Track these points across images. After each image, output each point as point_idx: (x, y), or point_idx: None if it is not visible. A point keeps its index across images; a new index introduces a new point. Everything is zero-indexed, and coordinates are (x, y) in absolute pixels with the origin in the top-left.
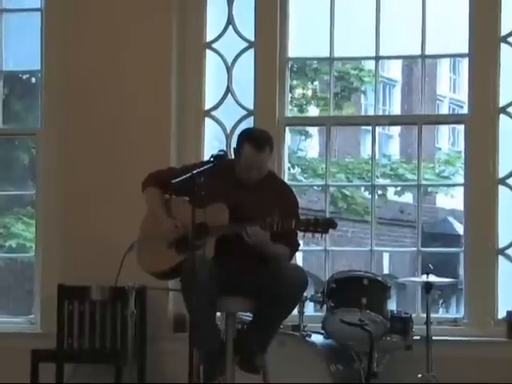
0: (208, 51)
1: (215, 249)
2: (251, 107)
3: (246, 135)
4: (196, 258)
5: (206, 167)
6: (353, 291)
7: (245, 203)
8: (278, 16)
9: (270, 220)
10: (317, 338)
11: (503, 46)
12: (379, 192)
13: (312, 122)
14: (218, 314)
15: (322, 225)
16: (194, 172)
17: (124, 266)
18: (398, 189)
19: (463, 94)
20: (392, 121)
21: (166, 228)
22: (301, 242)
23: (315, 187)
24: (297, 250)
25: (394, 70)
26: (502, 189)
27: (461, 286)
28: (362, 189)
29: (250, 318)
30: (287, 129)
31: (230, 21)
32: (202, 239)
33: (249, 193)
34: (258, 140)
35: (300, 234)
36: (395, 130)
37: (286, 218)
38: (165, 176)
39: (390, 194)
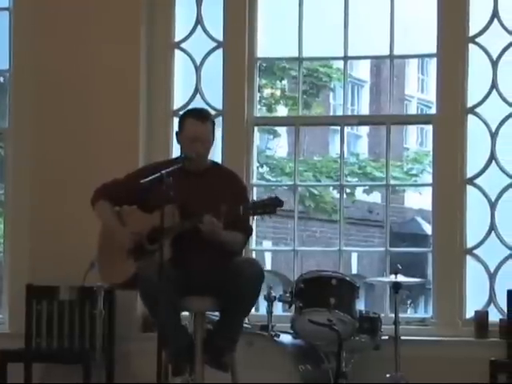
0: (176, 51)
1: (172, 250)
2: (220, 107)
3: (186, 111)
4: (151, 264)
5: (154, 176)
6: (321, 291)
7: (194, 195)
8: (247, 16)
9: (218, 209)
10: (285, 338)
11: (471, 46)
12: (348, 191)
13: (281, 122)
14: (186, 313)
15: (269, 205)
16: (163, 172)
17: None
18: (367, 187)
19: (431, 95)
20: (360, 121)
21: (122, 237)
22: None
23: (284, 187)
24: (250, 234)
25: (362, 70)
26: (469, 189)
27: (429, 286)
28: (331, 188)
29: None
30: (256, 128)
31: (199, 21)
32: (156, 243)
33: (196, 184)
34: (199, 112)
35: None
36: (364, 130)
37: (235, 205)
38: (111, 188)
39: (359, 192)
